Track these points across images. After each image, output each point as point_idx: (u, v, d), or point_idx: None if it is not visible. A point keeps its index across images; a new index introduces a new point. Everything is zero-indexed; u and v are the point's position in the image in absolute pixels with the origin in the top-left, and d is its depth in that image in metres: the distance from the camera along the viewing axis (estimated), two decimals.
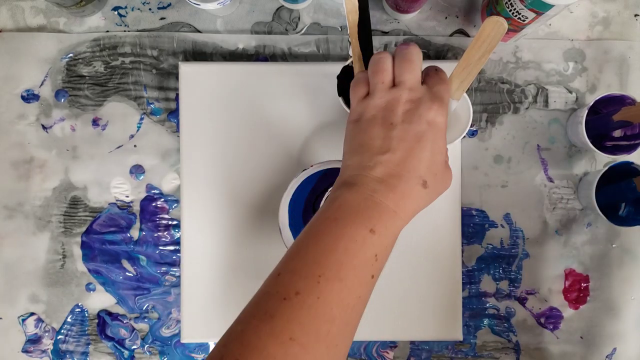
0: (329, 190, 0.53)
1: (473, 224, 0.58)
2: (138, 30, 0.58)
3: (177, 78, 0.57)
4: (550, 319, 0.58)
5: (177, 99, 0.57)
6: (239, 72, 0.56)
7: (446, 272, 0.56)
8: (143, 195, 0.58)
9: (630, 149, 0.54)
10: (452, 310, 0.55)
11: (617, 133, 0.55)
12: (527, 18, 0.50)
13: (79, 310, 0.58)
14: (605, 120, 0.53)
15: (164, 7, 0.58)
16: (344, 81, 0.50)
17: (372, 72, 0.41)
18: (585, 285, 0.58)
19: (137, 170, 0.58)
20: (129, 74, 0.58)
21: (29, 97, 0.58)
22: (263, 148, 0.56)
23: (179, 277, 0.57)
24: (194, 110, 0.55)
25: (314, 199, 0.53)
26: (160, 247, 0.57)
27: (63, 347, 0.58)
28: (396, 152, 0.38)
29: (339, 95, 0.50)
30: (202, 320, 0.56)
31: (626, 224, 0.54)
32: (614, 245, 0.58)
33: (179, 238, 0.57)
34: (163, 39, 0.58)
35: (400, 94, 0.39)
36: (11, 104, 0.57)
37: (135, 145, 0.58)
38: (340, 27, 0.58)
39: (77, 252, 0.57)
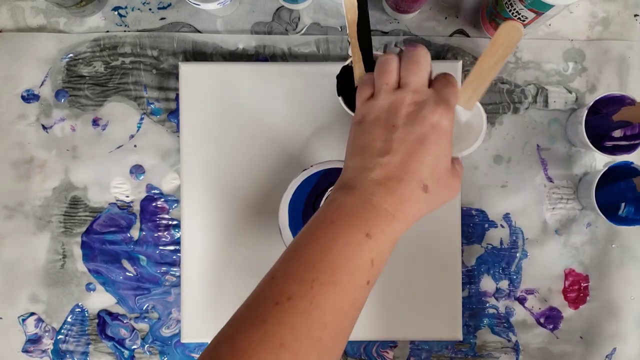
0: (329, 190, 0.53)
1: (473, 224, 0.58)
2: (138, 31, 0.58)
3: (177, 78, 0.57)
4: (550, 319, 0.58)
5: (177, 99, 0.57)
6: (239, 72, 0.56)
7: (446, 272, 0.56)
8: (143, 195, 0.58)
9: (630, 149, 0.54)
10: (452, 310, 0.55)
11: (617, 133, 0.55)
12: (527, 18, 0.50)
13: (79, 310, 0.58)
14: (605, 120, 0.53)
15: (164, 7, 0.58)
16: (344, 81, 0.50)
17: (377, 74, 0.40)
18: (585, 285, 0.58)
19: (137, 170, 0.58)
20: (129, 74, 0.58)
21: (29, 97, 0.58)
22: (263, 148, 0.56)
23: (179, 277, 0.57)
24: (194, 110, 0.56)
25: (314, 199, 0.53)
26: (160, 247, 0.58)
27: (63, 347, 0.58)
28: (396, 154, 0.37)
29: (339, 95, 0.50)
30: (202, 320, 0.56)
31: (626, 224, 0.54)
32: (613, 245, 0.58)
33: (179, 238, 0.57)
34: (163, 39, 0.58)
35: (404, 95, 0.38)
36: (11, 104, 0.57)
37: (135, 145, 0.58)
38: (340, 27, 0.58)
39: (77, 252, 0.58)
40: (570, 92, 0.58)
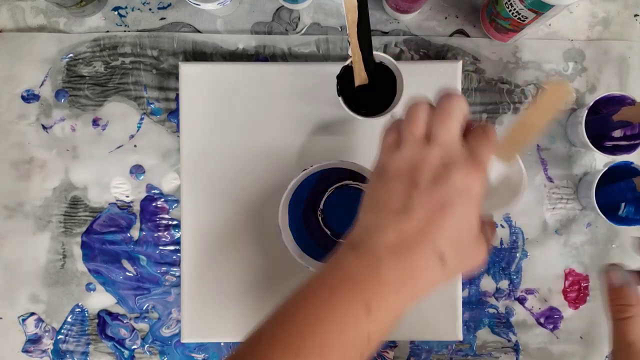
0: (329, 189, 0.53)
1: None
2: (138, 31, 0.58)
3: (177, 78, 0.57)
4: (550, 318, 0.58)
5: (177, 99, 0.57)
6: (239, 72, 0.56)
7: None
8: (143, 195, 0.58)
9: (630, 149, 0.54)
10: (452, 310, 0.55)
11: (617, 133, 0.55)
12: (527, 18, 0.50)
13: (79, 310, 0.58)
14: (605, 120, 0.53)
15: (164, 7, 0.58)
16: (344, 81, 0.51)
17: (404, 120, 0.36)
18: (585, 285, 0.58)
19: (137, 170, 0.58)
20: (129, 74, 0.58)
21: (29, 97, 0.58)
22: (263, 148, 0.56)
23: (179, 277, 0.57)
24: (194, 110, 0.56)
25: (314, 199, 0.53)
26: (160, 247, 0.58)
27: (63, 347, 0.58)
28: (414, 217, 0.33)
29: (339, 95, 0.50)
30: (202, 320, 0.56)
31: (626, 224, 0.54)
32: (613, 245, 0.58)
33: (179, 238, 0.57)
34: (163, 39, 0.58)
35: (432, 152, 0.34)
36: (11, 104, 0.57)
37: (135, 145, 0.58)
38: (340, 27, 0.58)
39: (77, 252, 0.58)
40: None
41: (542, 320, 0.58)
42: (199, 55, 0.58)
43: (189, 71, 0.55)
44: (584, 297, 0.58)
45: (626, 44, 0.58)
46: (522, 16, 0.50)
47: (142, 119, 0.58)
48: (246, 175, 0.56)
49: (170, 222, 0.58)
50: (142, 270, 0.57)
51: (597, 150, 0.53)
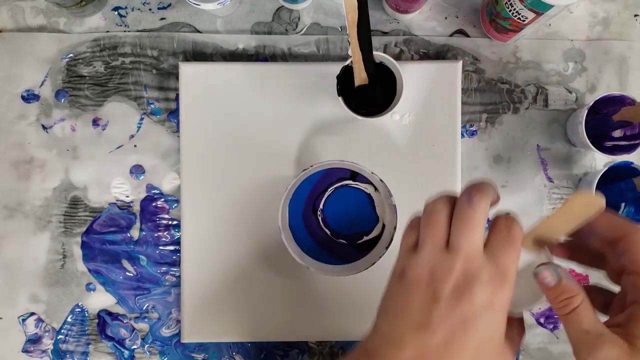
0: (329, 189, 0.53)
1: None
2: (138, 31, 0.58)
3: (177, 78, 0.57)
4: (550, 319, 0.58)
5: (177, 99, 0.57)
6: (239, 72, 0.56)
7: None
8: (143, 195, 0.58)
9: (630, 149, 0.54)
10: None
11: (617, 133, 0.55)
12: (526, 18, 0.50)
13: (79, 310, 0.58)
14: (605, 120, 0.53)
15: (164, 7, 0.58)
16: (344, 81, 0.51)
17: (423, 222, 0.34)
18: (585, 285, 0.58)
19: (137, 170, 0.58)
20: (129, 74, 0.58)
21: (29, 97, 0.58)
22: (263, 148, 0.56)
23: (179, 277, 0.57)
24: (194, 110, 0.56)
25: (314, 199, 0.53)
26: (160, 247, 0.58)
27: (63, 347, 0.58)
28: (434, 334, 0.31)
29: (339, 95, 0.50)
30: (202, 320, 0.56)
31: None
32: None
33: (179, 238, 0.57)
34: (163, 39, 0.58)
35: (452, 262, 0.32)
36: (11, 104, 0.57)
37: (135, 145, 0.58)
38: (340, 27, 0.58)
39: (77, 252, 0.58)
40: (570, 92, 0.58)
41: (542, 320, 0.58)
42: (199, 55, 0.58)
43: (189, 71, 0.55)
44: None
45: (626, 44, 0.58)
46: (522, 16, 0.50)
47: (142, 119, 0.58)
48: (246, 175, 0.56)
49: (170, 222, 0.57)
50: (142, 270, 0.57)
51: (597, 150, 0.53)
